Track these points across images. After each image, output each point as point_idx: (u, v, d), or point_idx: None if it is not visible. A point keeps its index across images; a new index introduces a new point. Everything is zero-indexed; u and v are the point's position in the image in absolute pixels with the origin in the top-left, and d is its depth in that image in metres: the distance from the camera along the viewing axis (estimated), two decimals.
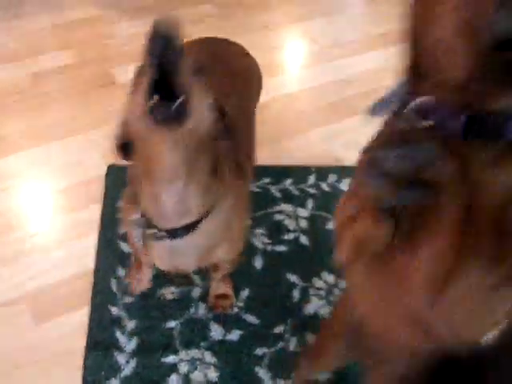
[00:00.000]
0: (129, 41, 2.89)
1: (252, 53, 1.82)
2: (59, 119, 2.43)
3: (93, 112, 2.45)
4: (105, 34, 3.02)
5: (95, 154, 2.24)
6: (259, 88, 1.80)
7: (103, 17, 3.16)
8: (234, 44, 1.79)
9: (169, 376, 1.63)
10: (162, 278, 1.80)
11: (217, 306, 1.74)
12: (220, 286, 1.73)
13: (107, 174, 2.12)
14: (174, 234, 1.23)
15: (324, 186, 2.14)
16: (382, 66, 2.74)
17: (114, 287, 1.81)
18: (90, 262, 1.89)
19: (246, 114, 1.60)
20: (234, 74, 1.62)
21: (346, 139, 2.36)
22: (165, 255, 1.34)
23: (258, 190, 2.10)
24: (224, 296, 1.74)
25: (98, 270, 1.85)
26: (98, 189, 2.09)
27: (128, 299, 1.78)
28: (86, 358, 1.66)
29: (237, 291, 1.80)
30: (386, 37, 2.95)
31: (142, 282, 1.76)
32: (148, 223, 1.24)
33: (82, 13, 3.12)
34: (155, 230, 1.24)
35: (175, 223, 1.21)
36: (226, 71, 1.59)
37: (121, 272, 1.84)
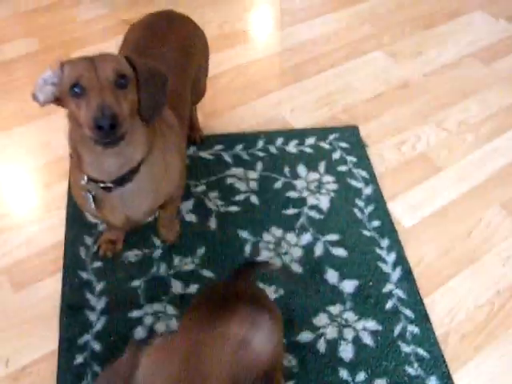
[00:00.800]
0: (90, 24, 3.04)
1: (204, 25, 2.00)
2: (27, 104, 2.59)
3: None
4: (66, 19, 3.16)
5: (63, 135, 2.41)
6: (204, 55, 1.99)
7: (64, 2, 3.29)
8: (184, 16, 1.97)
9: (135, 328, 1.82)
10: (125, 242, 1.99)
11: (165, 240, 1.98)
12: (167, 223, 1.95)
13: None
14: (119, 182, 1.43)
15: (272, 149, 2.34)
16: (329, 31, 2.92)
17: (83, 254, 2.00)
18: (60, 233, 2.07)
19: (183, 77, 1.78)
20: (178, 40, 1.81)
21: (293, 104, 2.55)
22: (116, 209, 1.54)
23: (211, 157, 2.30)
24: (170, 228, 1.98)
25: (67, 240, 2.03)
26: (66, 166, 2.27)
27: (96, 264, 1.97)
28: (61, 318, 1.85)
29: (193, 250, 2.00)
30: (332, 3, 3.11)
31: (112, 245, 1.96)
32: (94, 181, 1.43)
33: None
34: (102, 185, 1.44)
35: (118, 173, 1.41)
36: (173, 38, 1.78)
37: (88, 241, 2.03)
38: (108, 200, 1.51)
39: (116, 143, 1.26)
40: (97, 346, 1.78)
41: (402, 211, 2.18)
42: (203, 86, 2.07)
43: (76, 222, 2.08)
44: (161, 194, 1.59)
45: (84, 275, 1.95)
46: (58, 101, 1.31)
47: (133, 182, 1.46)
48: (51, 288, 1.93)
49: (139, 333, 1.82)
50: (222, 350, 1.16)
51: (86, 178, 1.45)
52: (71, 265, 1.97)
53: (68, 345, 1.79)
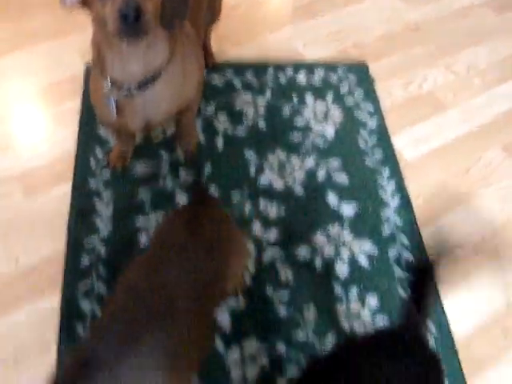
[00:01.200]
0: None
1: None
2: (42, 24, 2.63)
3: (74, 17, 2.65)
4: None
5: (76, 55, 2.46)
6: None
7: None
8: None
9: (140, 233, 1.90)
10: (134, 156, 2.06)
11: (186, 150, 2.03)
12: (186, 132, 2.01)
13: (86, 71, 2.35)
14: (141, 86, 1.49)
15: (282, 79, 2.39)
16: None
17: (93, 165, 2.07)
18: (72, 146, 2.14)
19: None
20: None
21: (305, 39, 2.58)
22: (136, 113, 1.59)
23: (221, 81, 2.34)
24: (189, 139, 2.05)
25: (79, 152, 2.10)
26: (78, 84, 2.33)
27: (105, 175, 2.04)
28: (69, 223, 1.92)
29: (200, 167, 2.06)
30: None
31: (122, 157, 2.03)
32: (117, 86, 1.49)
33: None
34: (124, 93, 1.49)
35: (141, 77, 1.47)
36: None
37: (99, 153, 2.09)
38: (129, 105, 1.56)
39: (140, 36, 1.29)
40: (102, 250, 1.86)
41: (404, 145, 2.24)
42: (218, 6, 2.11)
43: (88, 135, 2.14)
44: (180, 98, 1.65)
45: (93, 184, 2.01)
46: (83, 3, 1.35)
47: (154, 86, 1.51)
48: (61, 195, 2.00)
49: (143, 239, 1.88)
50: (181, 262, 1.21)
51: (109, 83, 1.50)
52: (81, 174, 2.04)
53: (75, 247, 1.87)
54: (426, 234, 1.97)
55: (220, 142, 2.14)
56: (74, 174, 2.04)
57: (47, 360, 1.67)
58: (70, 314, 1.74)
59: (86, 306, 1.75)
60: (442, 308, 1.81)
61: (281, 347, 1.70)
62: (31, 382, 1.63)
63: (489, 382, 1.72)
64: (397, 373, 1.07)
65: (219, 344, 1.69)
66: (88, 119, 2.18)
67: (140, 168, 2.05)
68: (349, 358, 1.16)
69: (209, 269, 1.22)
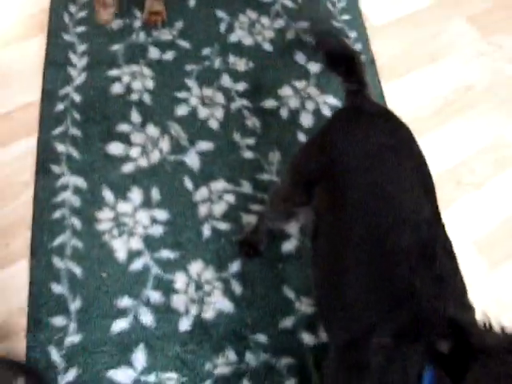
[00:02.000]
0: None
1: None
2: None
3: None
4: None
5: None
6: None
7: None
8: None
9: (113, 83, 1.97)
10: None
11: (150, 22, 2.05)
12: (154, 4, 2.04)
13: None
14: None
15: None
16: None
17: (67, 19, 2.11)
18: (46, 3, 2.16)
19: None
20: None
21: None
22: None
23: None
24: (156, 13, 2.05)
25: (52, 7, 2.13)
26: None
27: (79, 28, 2.09)
28: (44, 73, 1.99)
29: (172, 23, 2.12)
30: None
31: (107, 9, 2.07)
32: None
33: None
34: None
35: None
36: None
37: (72, 9, 2.13)
38: None
39: None
40: (76, 97, 1.93)
41: (372, 10, 2.30)
42: None
43: None
44: None
45: (67, 38, 2.07)
46: None
47: None
48: (37, 49, 2.05)
49: (116, 87, 1.95)
50: None
51: None
52: (56, 28, 2.08)
53: (50, 95, 1.94)
54: (388, 92, 2.06)
55: (192, 0, 2.18)
56: (49, 29, 2.07)
57: (24, 198, 1.75)
58: (45, 156, 1.82)
59: (61, 148, 1.83)
60: None
61: (246, 187, 1.80)
62: (6, 219, 1.71)
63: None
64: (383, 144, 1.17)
65: (188, 182, 1.78)
66: None
67: (113, 23, 2.09)
68: None
69: None
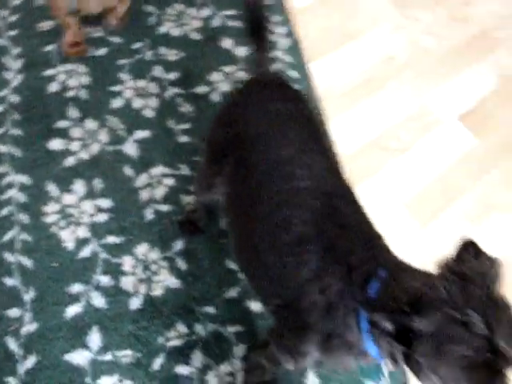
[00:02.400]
0: None
1: None
2: None
3: None
4: None
5: None
6: None
7: None
8: None
9: (50, 82, 2.04)
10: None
11: (71, 54, 2.13)
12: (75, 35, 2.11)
13: None
14: None
15: None
16: None
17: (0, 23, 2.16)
18: None
19: None
20: None
21: None
22: None
23: None
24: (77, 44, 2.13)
25: None
26: None
27: (11, 32, 2.16)
28: None
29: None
30: None
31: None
32: None
33: None
34: None
35: None
36: None
37: (5, 13, 2.20)
38: None
39: None
40: (15, 99, 2.01)
41: None
42: None
43: None
44: None
45: (0, 42, 2.12)
46: None
47: None
48: None
49: (53, 86, 2.03)
50: None
51: None
52: None
53: None
54: (314, 69, 2.17)
55: None
56: None
57: None
58: None
59: (3, 149, 1.91)
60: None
61: (185, 169, 1.90)
62: None
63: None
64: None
65: (128, 170, 1.87)
66: None
67: (45, 24, 2.16)
68: None
69: None
